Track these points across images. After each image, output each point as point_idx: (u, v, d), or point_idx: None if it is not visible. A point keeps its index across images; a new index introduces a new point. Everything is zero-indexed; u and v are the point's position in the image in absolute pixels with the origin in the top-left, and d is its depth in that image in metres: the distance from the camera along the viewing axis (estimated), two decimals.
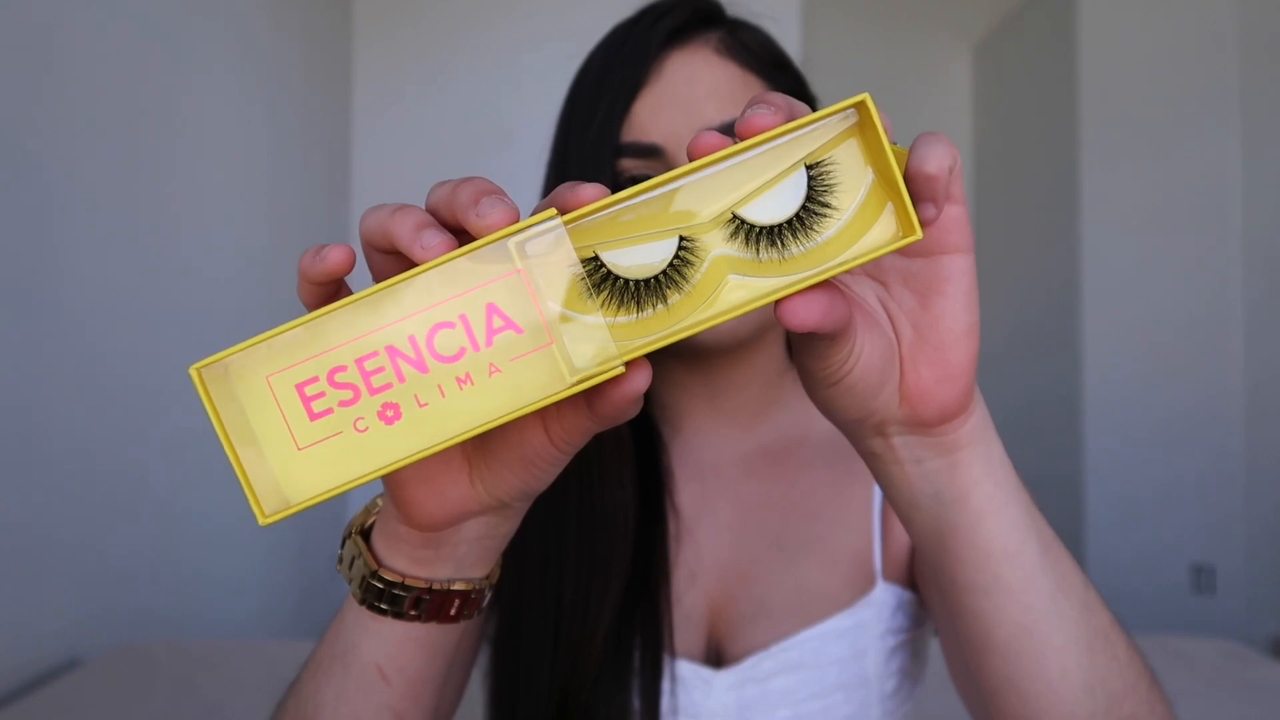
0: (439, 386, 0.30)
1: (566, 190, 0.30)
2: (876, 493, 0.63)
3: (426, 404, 0.30)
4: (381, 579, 0.38)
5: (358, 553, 0.39)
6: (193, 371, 0.30)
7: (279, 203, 2.53)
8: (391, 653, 0.39)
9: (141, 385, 1.77)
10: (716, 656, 0.60)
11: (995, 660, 0.38)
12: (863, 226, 0.31)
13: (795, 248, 0.30)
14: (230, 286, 2.21)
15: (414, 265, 0.30)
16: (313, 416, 0.30)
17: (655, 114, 0.57)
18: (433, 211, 0.31)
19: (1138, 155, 3.32)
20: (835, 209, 0.30)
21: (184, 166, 1.96)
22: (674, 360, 0.63)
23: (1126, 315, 3.30)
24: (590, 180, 0.52)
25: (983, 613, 0.37)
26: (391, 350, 0.29)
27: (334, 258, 0.32)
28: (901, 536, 0.62)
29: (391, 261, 0.33)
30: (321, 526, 2.91)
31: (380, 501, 0.40)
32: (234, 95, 2.24)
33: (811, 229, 0.30)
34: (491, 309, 0.29)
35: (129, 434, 1.72)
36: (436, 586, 0.38)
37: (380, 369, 0.30)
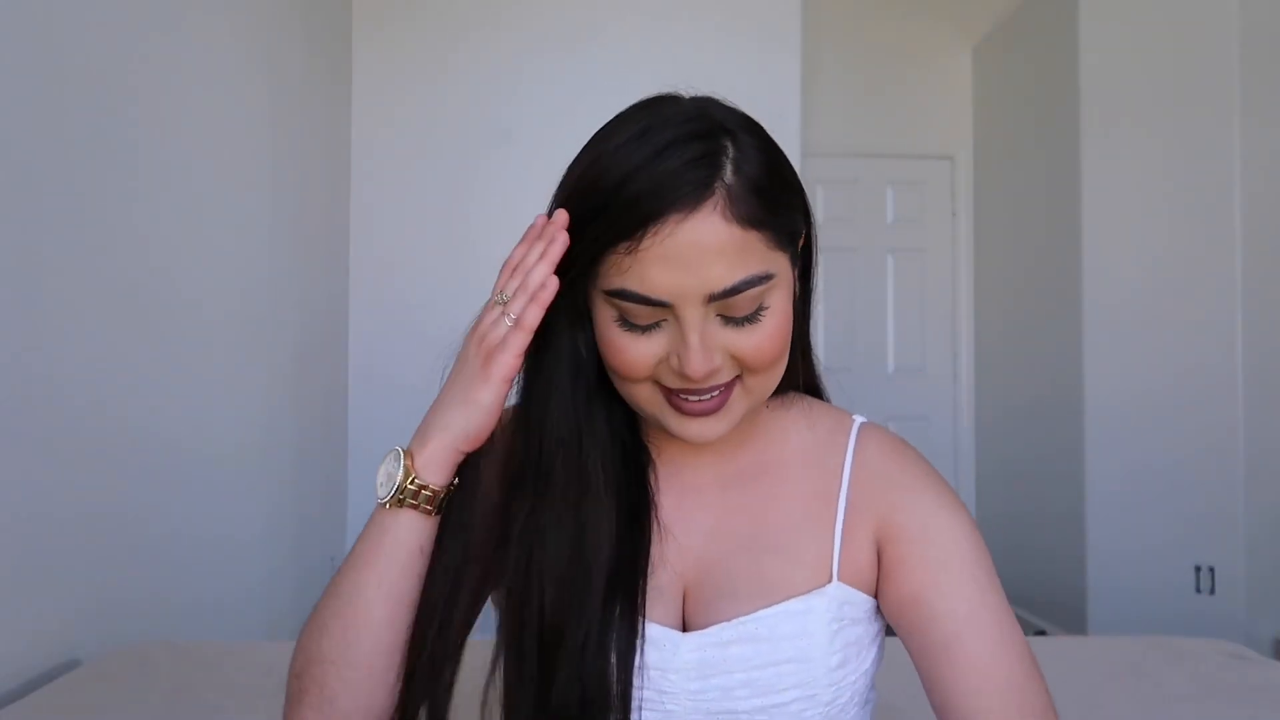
0: None
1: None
2: (840, 511, 0.73)
3: None
4: (429, 488, 0.68)
5: (407, 471, 0.67)
6: None
7: (278, 202, 2.53)
8: (426, 535, 0.68)
9: (142, 386, 1.77)
10: (686, 627, 0.71)
11: None
12: None
13: None
14: (230, 287, 2.20)
15: None
16: None
17: (665, 272, 0.62)
18: None
19: (1138, 154, 3.32)
20: None
21: (183, 167, 1.96)
22: None
23: (1127, 318, 3.30)
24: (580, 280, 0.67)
25: None
26: None
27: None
28: (859, 550, 0.72)
29: None
30: (319, 530, 2.91)
31: (404, 458, 0.68)
32: (235, 95, 2.24)
33: None
34: None
35: (128, 435, 1.72)
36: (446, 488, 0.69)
37: None
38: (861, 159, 4.30)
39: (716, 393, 0.66)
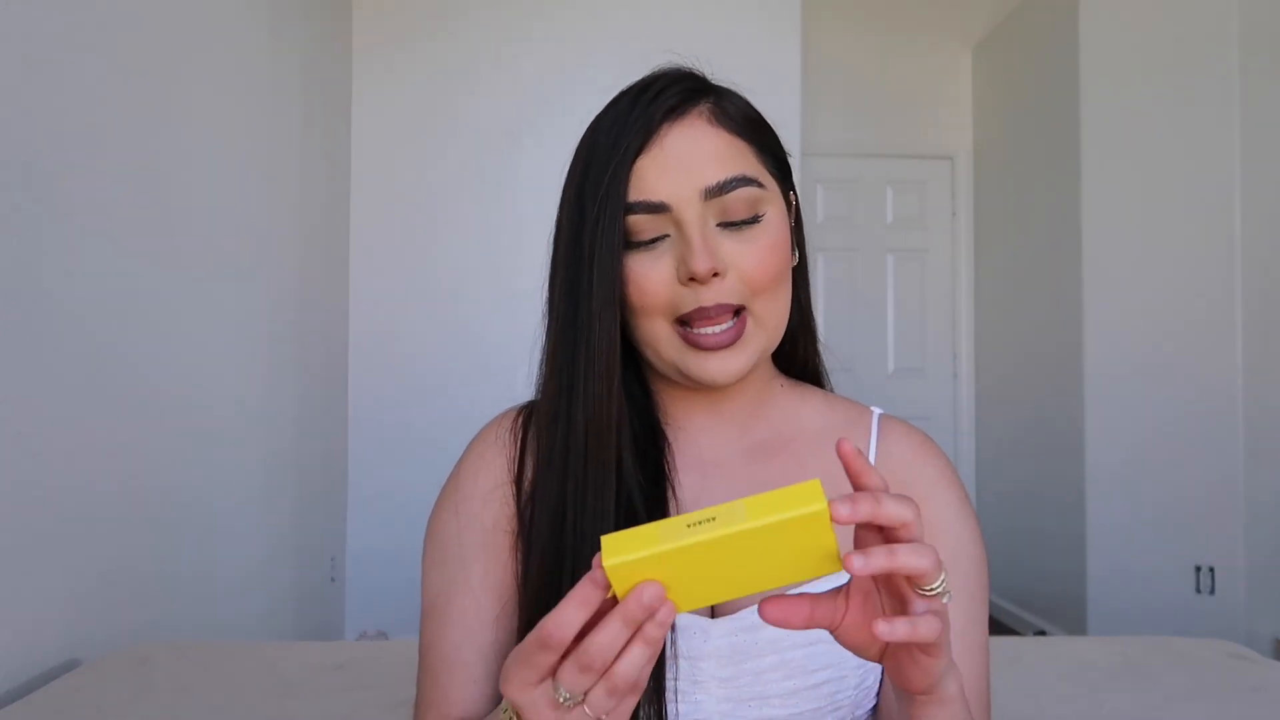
0: None
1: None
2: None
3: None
4: None
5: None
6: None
7: (278, 202, 2.53)
8: None
9: (142, 386, 1.77)
10: (716, 613, 0.70)
11: None
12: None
13: None
14: (229, 285, 2.20)
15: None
16: None
17: (660, 175, 0.65)
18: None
19: (1138, 154, 3.32)
20: None
21: (182, 167, 1.96)
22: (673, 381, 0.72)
23: (1127, 319, 3.30)
24: (603, 237, 0.65)
25: None
26: None
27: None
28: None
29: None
30: (320, 531, 2.91)
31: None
32: (235, 94, 2.24)
33: None
34: None
35: (129, 436, 1.72)
36: None
37: None
38: (861, 159, 4.30)
39: (729, 323, 0.66)
